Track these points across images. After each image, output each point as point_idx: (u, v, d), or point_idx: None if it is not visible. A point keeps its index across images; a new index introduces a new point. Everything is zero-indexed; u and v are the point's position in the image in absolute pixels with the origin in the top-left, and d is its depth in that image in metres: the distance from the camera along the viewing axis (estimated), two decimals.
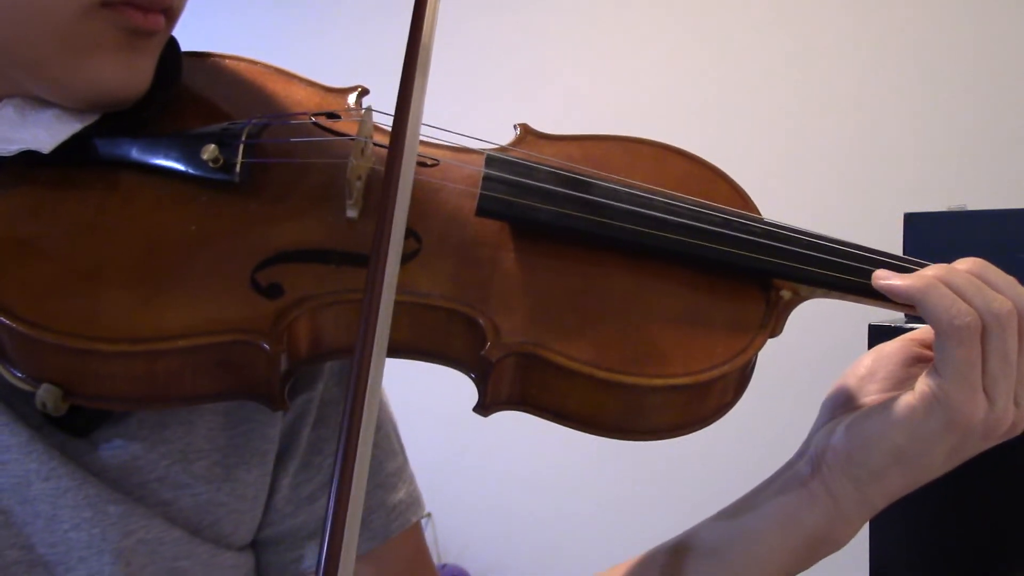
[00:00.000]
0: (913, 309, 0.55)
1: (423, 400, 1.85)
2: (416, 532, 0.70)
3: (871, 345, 1.40)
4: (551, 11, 2.40)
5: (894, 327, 1.36)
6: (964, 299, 0.53)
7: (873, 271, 0.58)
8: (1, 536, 0.53)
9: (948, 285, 0.53)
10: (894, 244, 1.48)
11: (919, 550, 1.28)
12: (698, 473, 2.16)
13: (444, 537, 2.51)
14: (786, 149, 2.10)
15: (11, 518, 0.53)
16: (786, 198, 2.05)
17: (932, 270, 0.55)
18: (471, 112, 1.92)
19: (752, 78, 2.14)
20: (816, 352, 1.86)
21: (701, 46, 2.21)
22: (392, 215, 0.47)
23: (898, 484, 0.57)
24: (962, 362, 0.52)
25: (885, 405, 0.56)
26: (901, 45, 1.99)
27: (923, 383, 0.54)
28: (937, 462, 0.55)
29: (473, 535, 2.46)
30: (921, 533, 1.26)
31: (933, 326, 0.53)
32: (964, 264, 0.55)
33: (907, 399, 0.54)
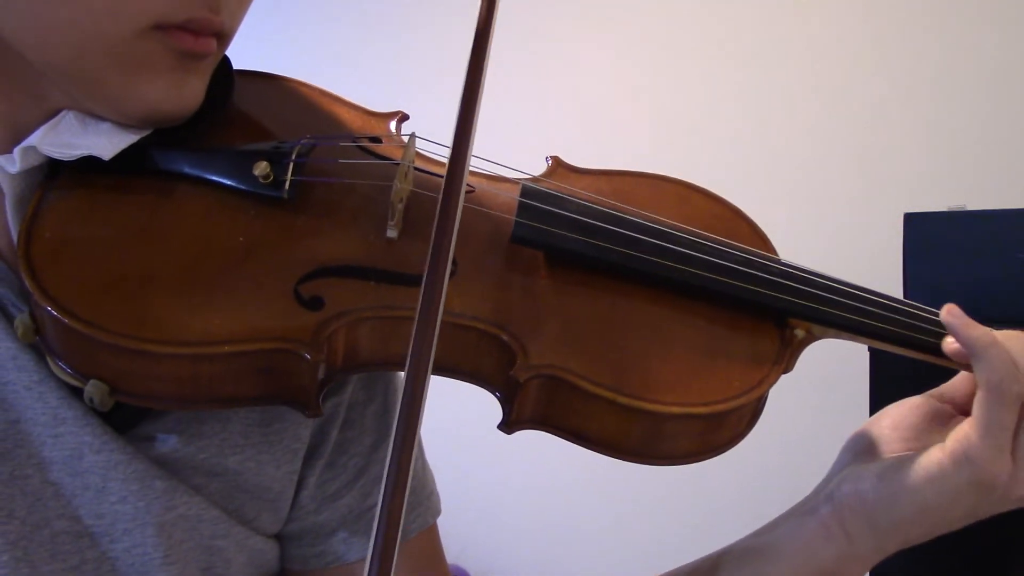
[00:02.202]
0: (930, 356, 0.59)
1: (426, 404, 1.85)
2: (433, 533, 0.72)
3: (871, 357, 1.40)
4: (567, 30, 2.40)
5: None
6: (1019, 366, 0.55)
7: (883, 314, 0.60)
8: (50, 507, 0.55)
9: (1007, 350, 0.55)
10: (894, 244, 1.48)
11: (919, 550, 1.28)
12: (700, 480, 2.15)
13: (444, 537, 2.50)
14: (786, 149, 2.10)
15: (61, 490, 0.55)
16: (787, 198, 2.05)
17: (999, 334, 0.57)
18: (498, 139, 1.92)
19: (753, 79, 2.14)
20: (817, 351, 1.86)
21: (702, 46, 2.22)
22: (448, 244, 0.49)
23: (915, 535, 0.58)
24: (1000, 424, 0.54)
25: (915, 462, 0.57)
26: (902, 45, 1.99)
27: (954, 440, 0.56)
28: (955, 518, 0.57)
29: (473, 536, 2.46)
30: None
31: (985, 382, 0.55)
32: (1016, 334, 0.58)
33: (936, 456, 0.56)
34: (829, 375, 1.87)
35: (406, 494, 0.42)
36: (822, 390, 1.87)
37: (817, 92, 2.07)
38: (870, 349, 1.39)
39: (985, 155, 1.88)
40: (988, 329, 0.57)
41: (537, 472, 2.45)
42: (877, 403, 1.42)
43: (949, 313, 0.58)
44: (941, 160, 1.93)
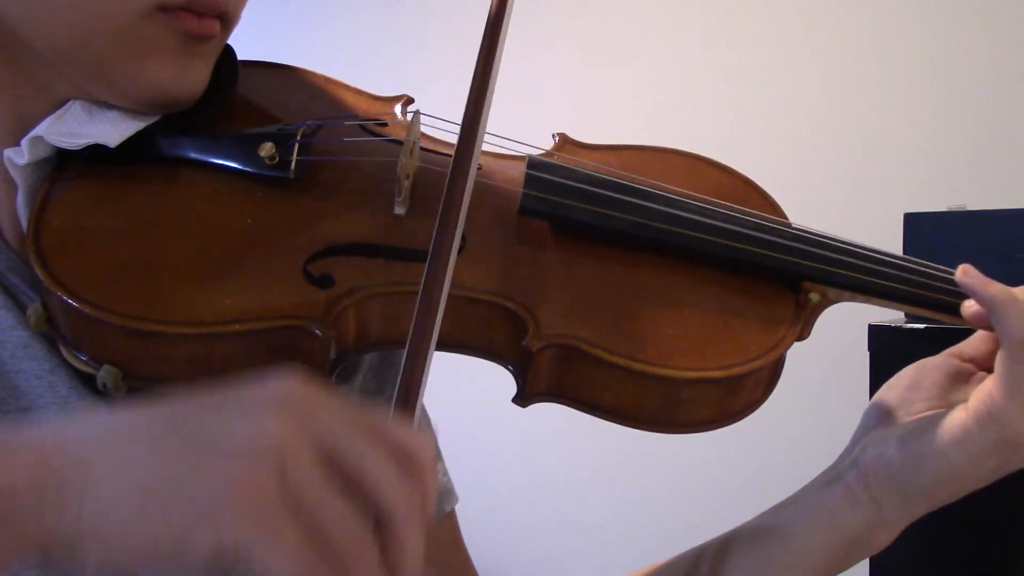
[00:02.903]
0: (948, 316, 0.57)
1: (426, 402, 1.85)
2: (451, 521, 0.72)
3: (871, 345, 1.40)
4: (575, 12, 2.41)
5: (894, 327, 1.36)
6: None
7: (898, 275, 0.59)
8: None
9: None
10: (894, 244, 1.48)
11: (919, 550, 1.28)
12: (701, 474, 2.16)
13: None
14: (786, 149, 2.10)
15: None
16: (786, 198, 2.05)
17: (1018, 290, 0.56)
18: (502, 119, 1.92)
19: (753, 79, 2.14)
20: (817, 352, 1.86)
21: (703, 47, 2.22)
22: (457, 218, 0.49)
23: (943, 497, 0.58)
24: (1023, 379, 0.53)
25: (939, 424, 0.56)
26: (902, 45, 1.99)
27: (977, 400, 0.55)
28: (983, 476, 0.56)
29: (474, 535, 2.46)
30: (921, 532, 1.26)
31: (1007, 339, 0.54)
32: None
33: (960, 417, 0.55)
34: (829, 375, 1.87)
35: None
36: (823, 377, 1.87)
37: (817, 92, 2.07)
38: (870, 348, 1.39)
39: (985, 155, 1.88)
40: (1005, 286, 0.56)
41: (538, 470, 2.45)
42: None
43: (965, 273, 0.57)
44: (941, 160, 1.93)
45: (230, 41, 0.61)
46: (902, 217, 1.46)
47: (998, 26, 1.89)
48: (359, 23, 2.72)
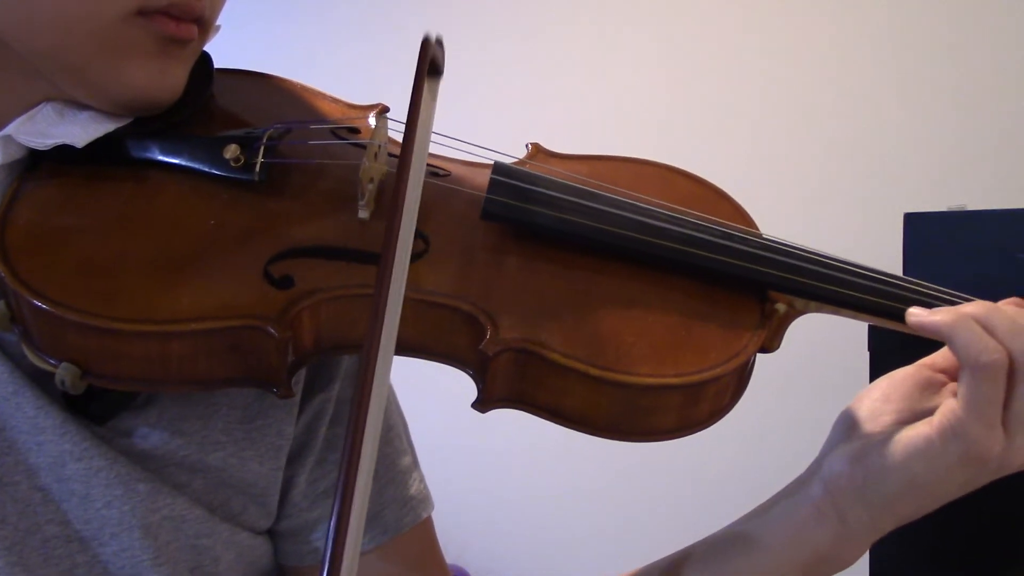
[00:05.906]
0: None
1: (423, 400, 1.85)
2: (427, 527, 0.72)
3: (871, 345, 1.40)
4: (552, 23, 2.40)
5: (892, 328, 1.36)
6: (996, 337, 0.53)
7: (867, 285, 0.59)
8: (39, 512, 0.56)
9: (981, 322, 0.54)
10: (894, 244, 1.48)
11: (919, 550, 1.28)
12: (699, 477, 2.16)
13: (444, 537, 2.50)
14: (786, 149, 2.10)
15: (49, 495, 0.56)
16: (786, 198, 2.05)
17: (970, 307, 0.55)
18: (479, 130, 1.92)
19: (752, 77, 2.14)
20: (815, 354, 1.86)
21: (700, 45, 2.22)
22: (400, 215, 0.49)
23: (909, 510, 0.57)
24: (985, 399, 0.53)
25: (902, 436, 0.56)
26: (901, 45, 1.99)
27: (942, 416, 0.55)
28: (950, 491, 0.56)
29: (473, 535, 2.46)
30: (921, 533, 1.26)
31: (960, 361, 0.54)
32: (1005, 303, 0.57)
33: (924, 430, 0.55)
34: (830, 375, 1.87)
35: (358, 479, 0.42)
36: (820, 379, 1.87)
37: (817, 92, 2.07)
38: (870, 348, 1.39)
39: (985, 155, 1.88)
40: (952, 308, 0.56)
41: (537, 472, 2.45)
42: None
43: (910, 315, 0.57)
44: (941, 160, 1.93)
45: (208, 49, 0.62)
46: (902, 217, 1.46)
47: (998, 26, 1.89)
48: (343, 29, 2.72)
